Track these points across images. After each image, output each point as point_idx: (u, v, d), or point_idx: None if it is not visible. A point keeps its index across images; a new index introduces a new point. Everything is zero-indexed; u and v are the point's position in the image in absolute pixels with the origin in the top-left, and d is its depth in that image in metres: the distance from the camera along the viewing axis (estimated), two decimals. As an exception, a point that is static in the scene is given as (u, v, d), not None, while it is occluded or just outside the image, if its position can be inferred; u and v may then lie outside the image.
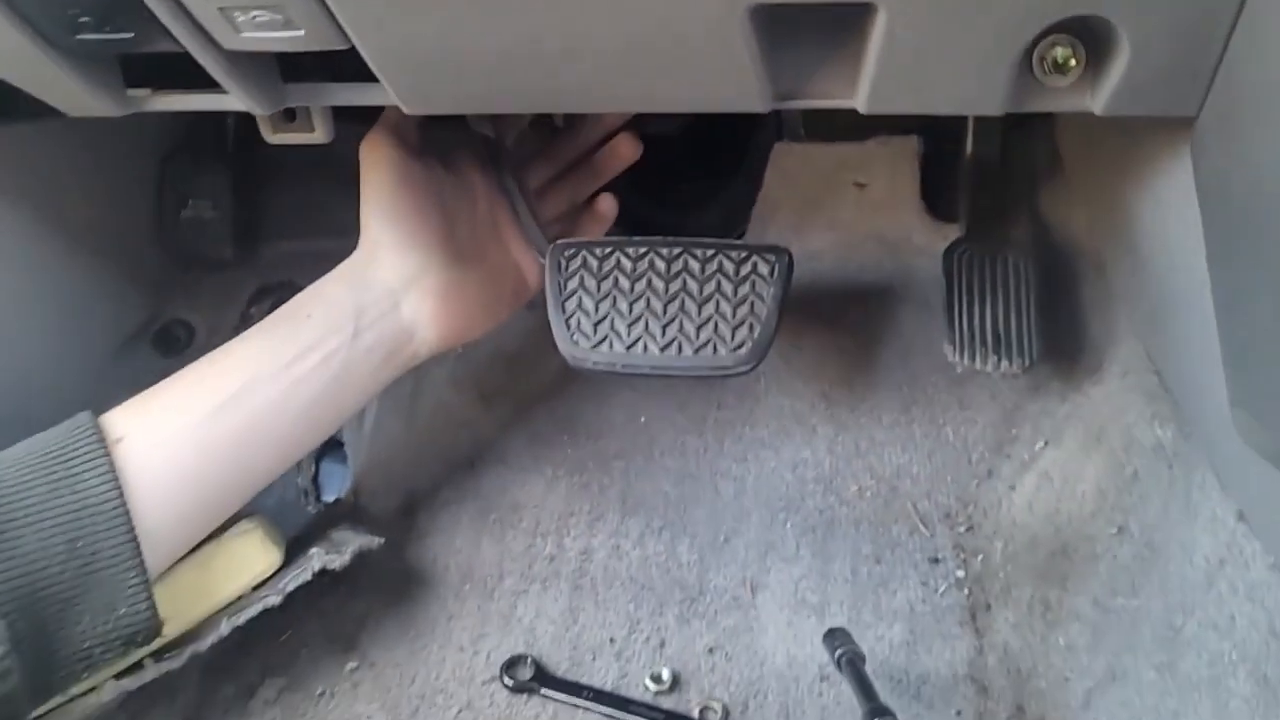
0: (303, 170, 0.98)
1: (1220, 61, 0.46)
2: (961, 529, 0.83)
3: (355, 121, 0.75)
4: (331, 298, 0.73)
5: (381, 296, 0.73)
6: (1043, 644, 0.73)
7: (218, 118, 0.92)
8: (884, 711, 0.61)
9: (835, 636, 0.70)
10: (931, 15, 0.45)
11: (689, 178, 1.00)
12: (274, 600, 0.74)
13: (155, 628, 0.62)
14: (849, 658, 0.68)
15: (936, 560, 0.81)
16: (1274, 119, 0.43)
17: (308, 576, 0.75)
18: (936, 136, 0.92)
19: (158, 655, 0.71)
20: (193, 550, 0.69)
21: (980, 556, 0.80)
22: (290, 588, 0.74)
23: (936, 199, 0.93)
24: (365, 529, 0.82)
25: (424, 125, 0.79)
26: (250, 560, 0.76)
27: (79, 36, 0.50)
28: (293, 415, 0.70)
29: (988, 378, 0.88)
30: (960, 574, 0.80)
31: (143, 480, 0.61)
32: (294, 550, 0.79)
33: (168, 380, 0.69)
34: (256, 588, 0.76)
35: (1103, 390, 0.80)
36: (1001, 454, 0.85)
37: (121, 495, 0.59)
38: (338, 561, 0.76)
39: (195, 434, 0.65)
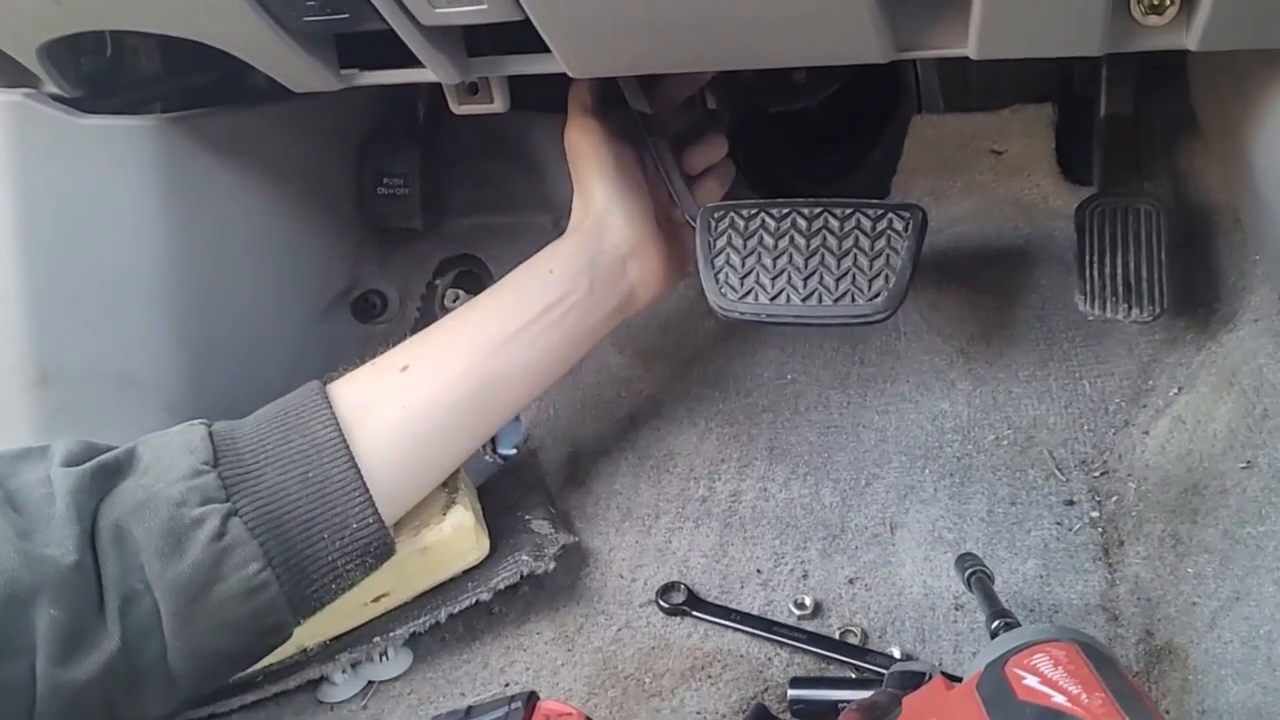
0: (480, 153, 1.09)
1: (1303, -11, 0.50)
2: (1097, 474, 0.86)
3: (525, 109, 0.86)
4: (569, 259, 0.83)
5: (613, 261, 0.84)
6: (1173, 574, 0.75)
7: (409, 104, 1.03)
8: (1006, 614, 0.66)
9: (966, 559, 0.75)
10: (1027, -41, 0.51)
11: (831, 151, 1.06)
12: (485, 596, 0.82)
13: (386, 542, 0.72)
14: (977, 575, 0.73)
15: (1071, 502, 0.84)
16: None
17: (516, 579, 0.82)
18: (1070, 103, 0.96)
19: (384, 632, 0.81)
20: (415, 535, 0.80)
21: (1114, 498, 0.83)
22: (500, 587, 0.82)
23: (1072, 163, 0.96)
24: (561, 521, 0.90)
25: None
26: (464, 551, 0.83)
27: (305, 19, 0.61)
28: (532, 360, 0.81)
29: (1125, 332, 0.91)
30: (1094, 514, 0.83)
31: (363, 429, 0.72)
32: (490, 516, 0.87)
33: (416, 337, 0.81)
34: (466, 572, 0.84)
35: (1235, 337, 0.82)
36: (1138, 404, 0.88)
37: (340, 433, 0.70)
38: (542, 568, 0.83)
39: (418, 388, 0.76)
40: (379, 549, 0.71)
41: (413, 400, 0.75)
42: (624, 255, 0.85)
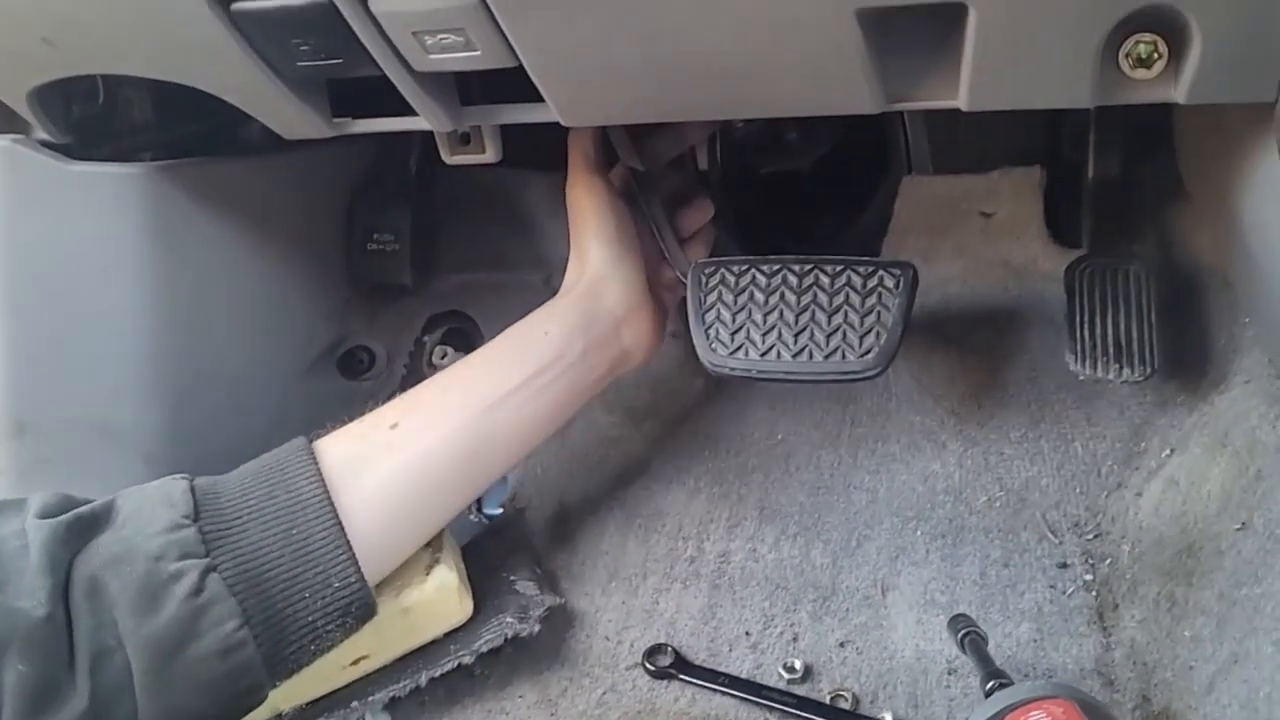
0: (473, 209, 1.09)
1: (1290, 43, 0.50)
2: (1090, 536, 0.85)
3: (518, 167, 0.86)
4: (564, 321, 0.82)
5: (608, 325, 0.84)
6: (1168, 638, 0.74)
7: (401, 160, 1.04)
8: (1000, 674, 0.65)
9: (959, 620, 0.74)
10: (1016, 11, 0.51)
11: (822, 212, 1.06)
12: (468, 660, 0.79)
13: (368, 603, 0.70)
14: (971, 636, 0.71)
15: (1065, 565, 0.83)
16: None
17: (499, 642, 0.80)
18: (1059, 166, 0.96)
19: (362, 696, 0.78)
20: (397, 595, 0.78)
21: (1108, 560, 0.82)
22: (484, 650, 0.80)
23: (1061, 226, 0.97)
24: (546, 582, 0.88)
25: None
26: (447, 612, 0.81)
27: (299, 64, 0.62)
28: (523, 421, 0.80)
29: (1116, 394, 0.91)
30: (1088, 578, 0.82)
31: (349, 486, 0.71)
32: (474, 577, 0.85)
33: (407, 395, 0.80)
34: (448, 634, 0.82)
35: (1227, 398, 0.82)
36: (1130, 466, 0.87)
37: (325, 490, 0.69)
38: (527, 630, 0.81)
39: (408, 448, 0.75)
40: (361, 609, 0.69)
41: (401, 459, 0.74)
42: (618, 319, 0.84)
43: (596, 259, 0.85)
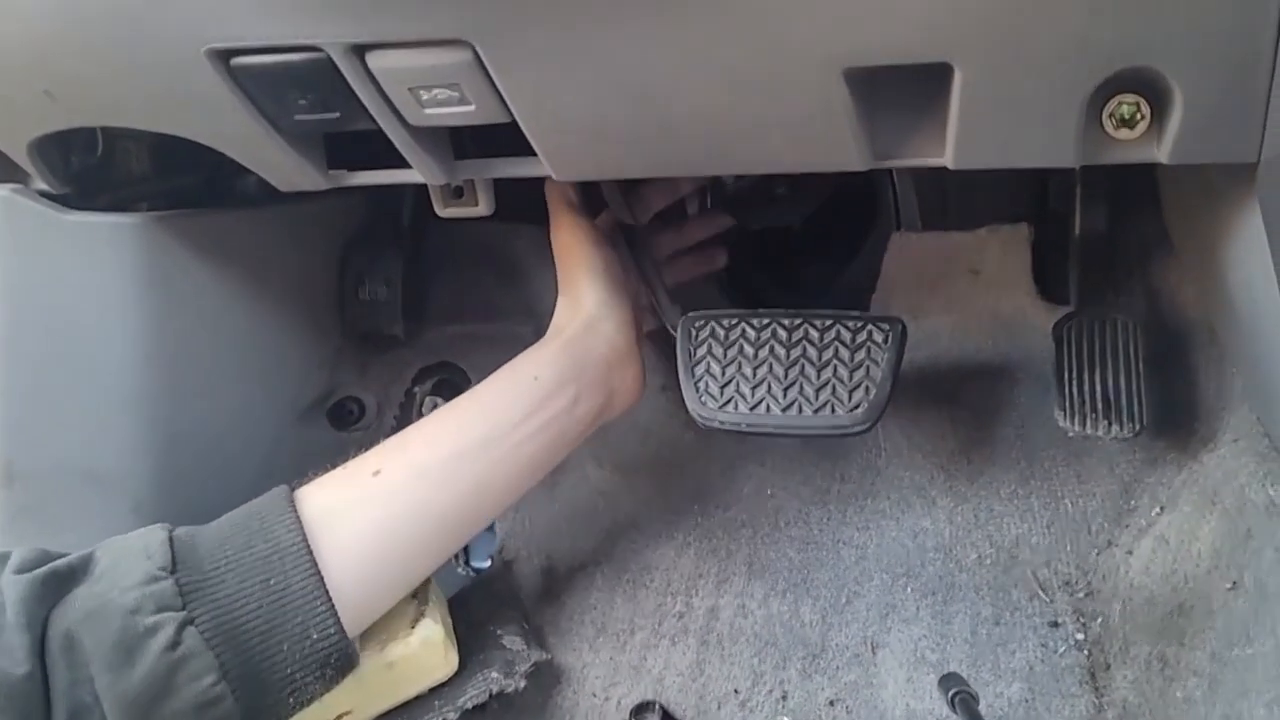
0: (464, 261, 1.10)
1: (1269, 106, 0.51)
2: (1081, 595, 0.85)
3: (510, 220, 0.86)
4: (555, 365, 0.80)
5: (599, 369, 0.82)
6: (1161, 699, 0.73)
7: (393, 212, 1.04)
8: (991, 735, 0.64)
9: (950, 680, 0.73)
10: (999, 72, 0.52)
11: (811, 267, 1.06)
12: (452, 716, 0.78)
13: (348, 654, 0.69)
14: (962, 697, 0.71)
15: (1056, 624, 0.83)
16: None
17: (484, 699, 0.79)
18: (1046, 222, 0.97)
19: None
20: (381, 649, 0.77)
21: (1099, 619, 0.82)
22: (468, 706, 0.79)
23: (1049, 282, 0.97)
24: (533, 637, 0.87)
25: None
26: (432, 666, 0.80)
27: (297, 118, 0.62)
28: (511, 470, 0.78)
29: (1105, 451, 0.91)
30: (1080, 637, 0.82)
31: (329, 535, 0.69)
32: (460, 630, 0.84)
33: (391, 441, 0.78)
34: (433, 690, 0.81)
35: (1216, 456, 0.82)
36: (1120, 524, 0.87)
37: (305, 539, 0.68)
38: (512, 686, 0.80)
39: (391, 495, 0.74)
40: (340, 661, 0.68)
41: (384, 507, 0.73)
42: (610, 364, 0.83)
43: (591, 301, 0.83)
